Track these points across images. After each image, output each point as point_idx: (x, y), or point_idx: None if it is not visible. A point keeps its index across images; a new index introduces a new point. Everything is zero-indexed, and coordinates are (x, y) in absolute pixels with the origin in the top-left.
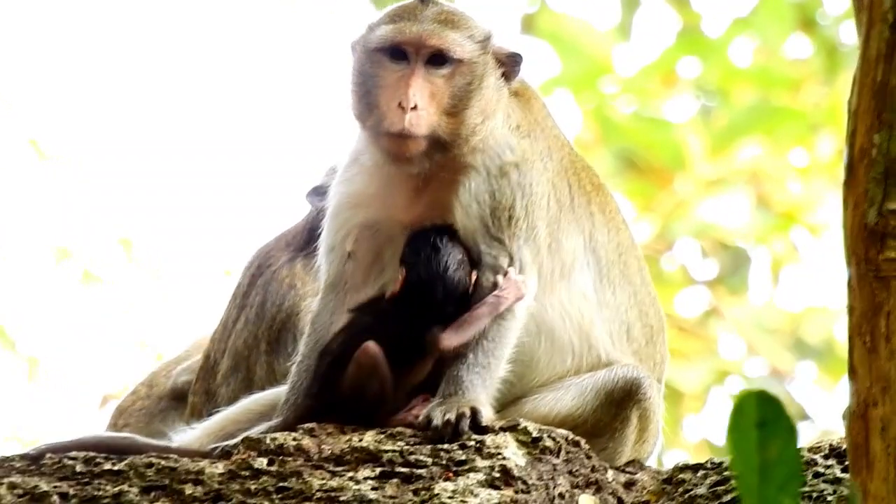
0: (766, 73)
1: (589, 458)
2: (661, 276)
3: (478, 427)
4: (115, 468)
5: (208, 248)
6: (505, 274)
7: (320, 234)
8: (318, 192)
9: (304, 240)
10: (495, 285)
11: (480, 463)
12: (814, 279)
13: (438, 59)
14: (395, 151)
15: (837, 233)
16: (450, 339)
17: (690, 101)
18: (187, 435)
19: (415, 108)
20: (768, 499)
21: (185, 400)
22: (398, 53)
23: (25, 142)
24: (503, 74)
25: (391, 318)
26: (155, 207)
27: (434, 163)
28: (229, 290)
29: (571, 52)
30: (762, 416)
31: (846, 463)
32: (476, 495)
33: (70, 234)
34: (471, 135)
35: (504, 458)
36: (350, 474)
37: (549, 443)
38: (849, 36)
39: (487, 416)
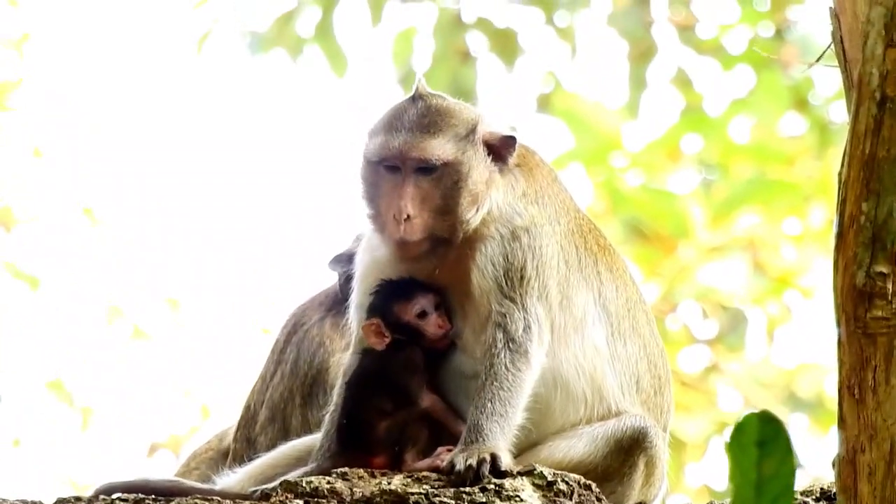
0: (762, 149)
1: (599, 500)
2: (665, 335)
3: (497, 471)
4: None
5: (249, 308)
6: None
7: (347, 295)
8: (339, 260)
9: (333, 300)
10: (503, 343)
11: None
12: (806, 338)
13: (425, 167)
14: (401, 255)
15: (828, 295)
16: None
17: (693, 175)
18: (229, 479)
19: (408, 218)
20: None
21: None
22: (390, 164)
23: (80, 210)
24: (497, 157)
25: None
26: (200, 269)
27: (439, 255)
28: (268, 347)
29: (583, 129)
30: (762, 435)
31: None
32: None
33: (121, 295)
34: (465, 225)
35: (521, 501)
36: None
37: (562, 486)
38: (839, 114)
39: (506, 461)
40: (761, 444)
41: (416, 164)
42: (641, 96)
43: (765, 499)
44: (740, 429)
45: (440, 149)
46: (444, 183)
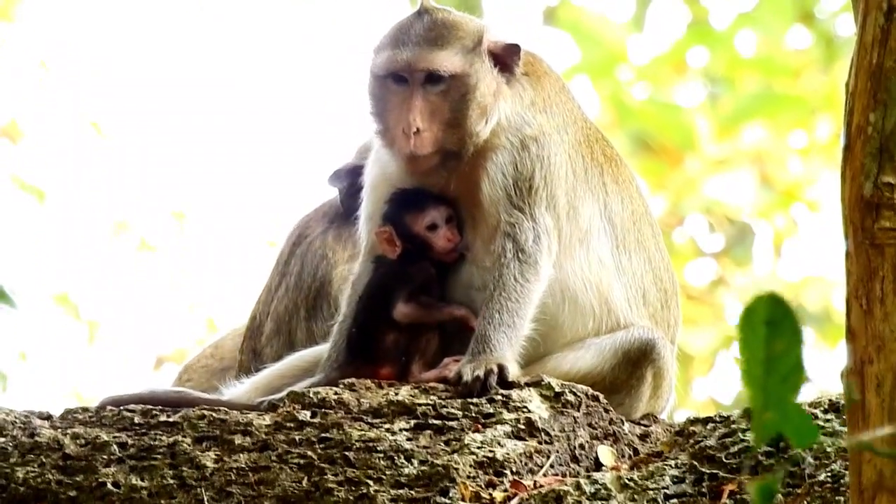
0: (768, 63)
1: (607, 411)
2: (672, 249)
3: (504, 383)
4: (170, 420)
5: (254, 220)
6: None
7: (349, 209)
8: (339, 175)
9: (336, 212)
10: (512, 253)
11: (507, 416)
12: (812, 251)
13: (433, 78)
14: (411, 169)
15: (835, 207)
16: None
17: (699, 88)
18: (236, 389)
19: (417, 131)
20: (771, 390)
21: None
22: (398, 77)
23: (86, 122)
24: (503, 67)
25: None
26: (206, 182)
27: (450, 169)
28: (273, 258)
29: (590, 42)
30: (771, 315)
31: (844, 417)
32: (503, 445)
33: (127, 208)
34: (475, 138)
35: (529, 412)
36: (387, 426)
37: (570, 397)
38: (844, 28)
39: (513, 372)
40: (770, 323)
41: (424, 75)
42: (647, 9)
43: (774, 377)
44: (750, 310)
45: (448, 61)
46: (453, 96)
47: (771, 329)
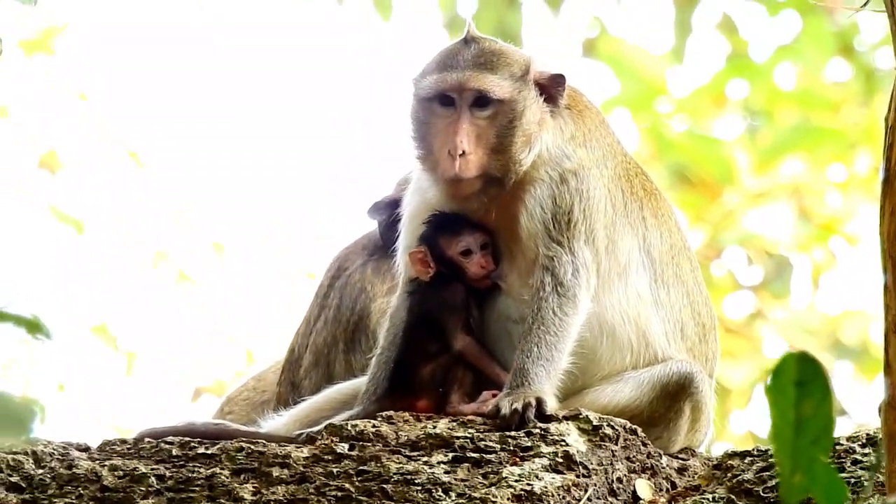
0: (807, 96)
1: (645, 445)
2: (710, 281)
3: (542, 416)
4: (208, 452)
5: (293, 252)
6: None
7: (388, 242)
8: (379, 207)
9: (376, 245)
10: (551, 286)
11: (545, 449)
12: (850, 285)
13: (481, 101)
14: (453, 193)
15: (873, 242)
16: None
17: (738, 121)
18: (275, 422)
19: (463, 154)
20: (801, 451)
21: None
22: (445, 100)
23: (125, 153)
24: (548, 97)
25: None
26: (245, 214)
27: (490, 196)
28: (312, 290)
29: (629, 75)
30: (801, 376)
31: (882, 451)
32: (540, 479)
33: (166, 239)
34: (518, 166)
35: (567, 445)
36: (425, 459)
37: (608, 431)
38: (884, 61)
39: (552, 405)
40: (800, 384)
41: (473, 96)
42: (687, 42)
43: (804, 439)
44: (779, 369)
45: (497, 85)
46: (500, 121)
47: (800, 390)
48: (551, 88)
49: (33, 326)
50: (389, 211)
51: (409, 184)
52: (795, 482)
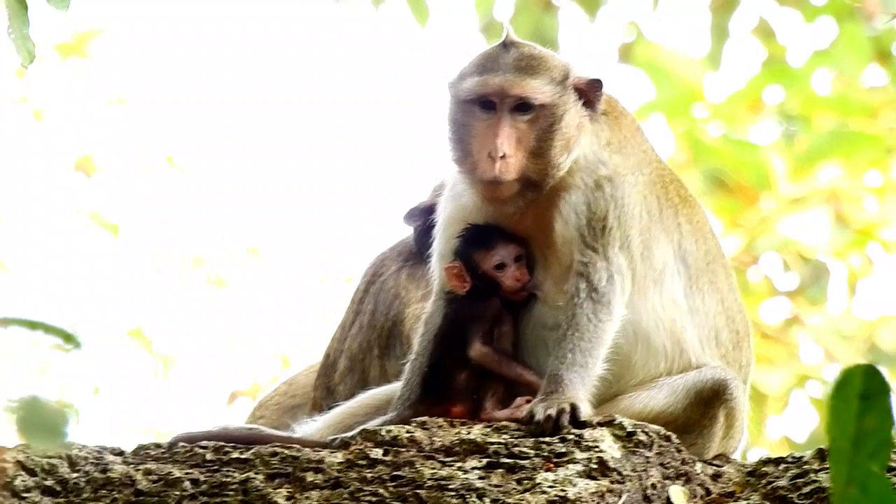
0: (844, 101)
1: (679, 451)
2: (746, 287)
3: (577, 422)
4: (243, 457)
5: (329, 257)
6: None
7: (422, 248)
8: (414, 214)
9: (412, 251)
10: (586, 293)
11: (579, 455)
12: (887, 290)
13: (522, 106)
14: (490, 196)
15: None
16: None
17: (774, 126)
18: (309, 426)
19: (503, 156)
20: (858, 466)
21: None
22: (486, 103)
23: (161, 157)
24: (586, 102)
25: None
26: (281, 218)
27: (527, 200)
28: (348, 295)
29: (665, 80)
30: (866, 389)
31: None
32: (574, 485)
33: (202, 243)
34: (557, 170)
35: (601, 451)
36: (459, 464)
37: (642, 437)
38: None
39: (586, 411)
40: (864, 397)
41: (515, 101)
42: (723, 46)
43: (862, 454)
44: (843, 381)
45: (539, 90)
46: (540, 125)
47: (864, 403)
48: (589, 93)
49: (65, 336)
50: (424, 217)
51: (444, 189)
52: (849, 495)
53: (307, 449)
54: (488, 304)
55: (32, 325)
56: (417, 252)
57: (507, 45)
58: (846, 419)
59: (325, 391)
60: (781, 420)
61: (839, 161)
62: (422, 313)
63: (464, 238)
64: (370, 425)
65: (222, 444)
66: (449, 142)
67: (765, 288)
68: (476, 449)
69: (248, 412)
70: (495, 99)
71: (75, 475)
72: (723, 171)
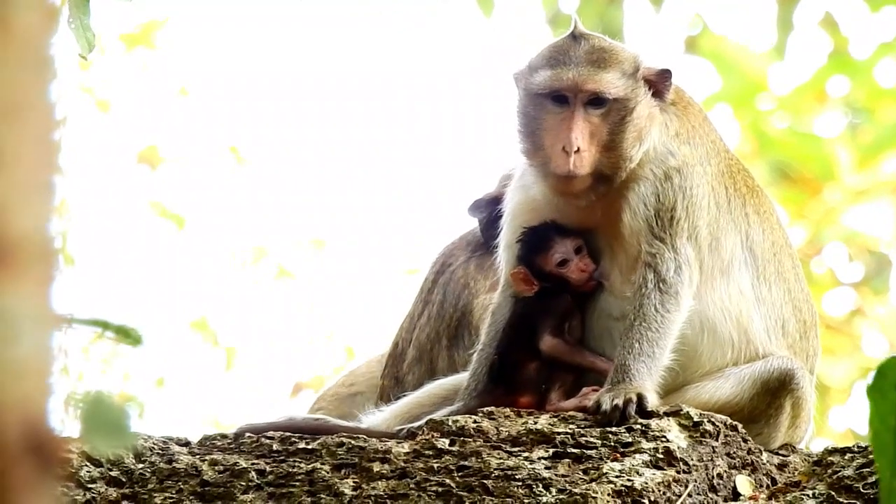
0: None
1: (745, 441)
2: (810, 278)
3: (643, 412)
4: (309, 447)
5: (393, 248)
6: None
7: (489, 239)
8: (479, 206)
9: (479, 241)
10: (653, 283)
11: (645, 445)
12: None
13: (595, 100)
14: (562, 190)
15: None
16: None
17: (839, 118)
18: (376, 417)
19: (577, 150)
20: None
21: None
22: (558, 97)
23: (226, 148)
24: (655, 93)
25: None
26: (345, 209)
27: (599, 193)
28: (413, 286)
29: (731, 71)
30: None
31: None
32: (641, 474)
33: (266, 234)
34: (629, 163)
35: (667, 441)
36: (525, 454)
37: (708, 427)
38: None
39: (652, 401)
40: None
41: (588, 96)
42: (788, 38)
43: None
44: (881, 373)
45: (613, 84)
46: (612, 118)
47: None
48: (659, 84)
49: (126, 333)
50: (490, 208)
51: (510, 180)
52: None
53: (373, 439)
54: (559, 299)
55: (94, 323)
56: (484, 243)
57: (576, 36)
58: (886, 411)
59: (395, 380)
60: (845, 411)
61: None
62: (490, 303)
63: (522, 243)
64: (437, 415)
65: (288, 434)
66: (518, 134)
67: (828, 279)
68: (543, 439)
69: (311, 403)
70: (569, 94)
71: (141, 466)
72: (787, 163)
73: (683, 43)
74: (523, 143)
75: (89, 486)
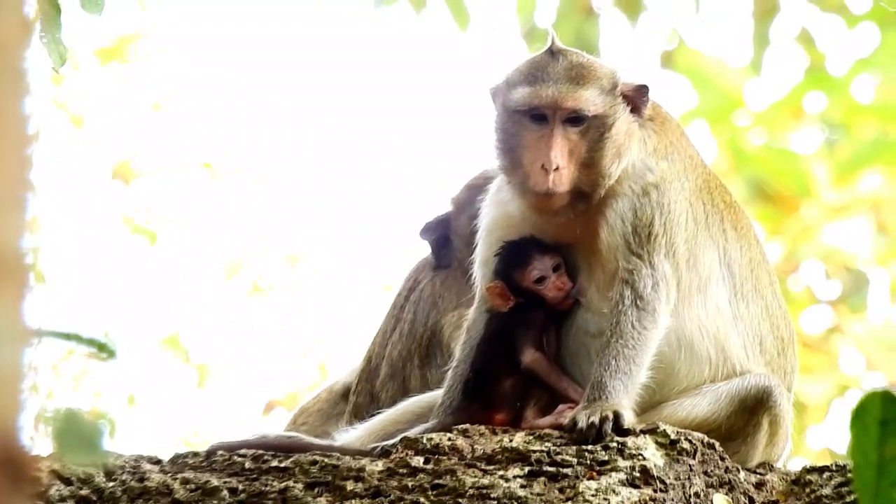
0: (886, 109)
1: (723, 459)
2: (788, 296)
3: (620, 430)
4: (282, 465)
5: (367, 264)
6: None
7: (441, 262)
8: (429, 229)
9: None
10: (630, 300)
11: (622, 463)
12: None
13: (575, 118)
14: (541, 207)
15: None
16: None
17: (816, 134)
18: (349, 434)
19: (557, 168)
20: (882, 493)
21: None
22: (537, 115)
23: (198, 164)
24: (633, 108)
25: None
26: (318, 226)
27: (577, 210)
28: (388, 302)
29: (707, 87)
30: (885, 415)
31: None
32: (617, 493)
33: (239, 250)
34: (608, 180)
35: (644, 459)
36: (501, 472)
37: (686, 445)
38: None
39: (629, 419)
40: (883, 423)
41: (567, 114)
42: (765, 54)
43: (886, 481)
44: (863, 408)
45: (592, 101)
46: (591, 136)
47: (884, 429)
48: (636, 99)
49: (99, 346)
50: (440, 230)
51: (462, 203)
52: None
53: (347, 457)
54: (535, 312)
55: (67, 337)
56: (436, 265)
57: (554, 52)
58: (868, 446)
59: (369, 397)
60: (823, 430)
61: (881, 169)
62: (460, 321)
63: (500, 257)
64: (411, 433)
65: (261, 452)
66: (496, 150)
67: (806, 297)
68: (518, 457)
69: (288, 419)
70: (548, 111)
71: (112, 484)
72: (764, 180)
73: (659, 58)
74: (501, 159)
75: None
